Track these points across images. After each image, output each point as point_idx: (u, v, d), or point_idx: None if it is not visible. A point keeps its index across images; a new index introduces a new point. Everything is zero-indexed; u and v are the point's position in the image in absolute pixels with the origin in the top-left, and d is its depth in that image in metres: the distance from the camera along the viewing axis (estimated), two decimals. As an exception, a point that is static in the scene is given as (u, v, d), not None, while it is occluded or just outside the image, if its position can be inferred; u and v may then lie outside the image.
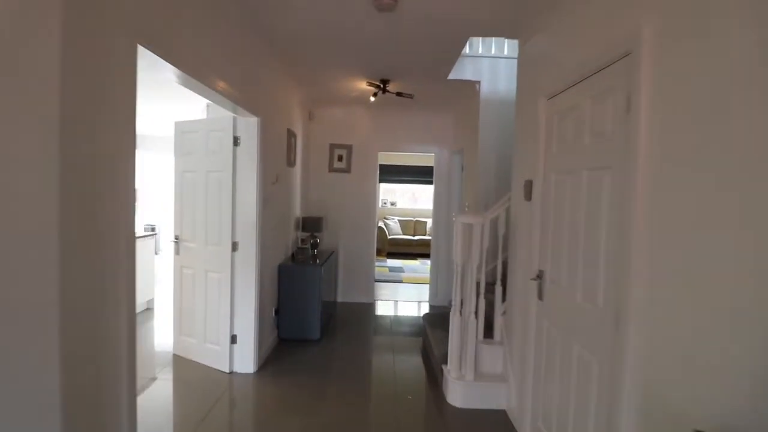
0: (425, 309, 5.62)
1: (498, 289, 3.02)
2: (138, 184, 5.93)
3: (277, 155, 3.88)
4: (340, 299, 5.66)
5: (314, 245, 4.71)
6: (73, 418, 1.33)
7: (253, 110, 3.16)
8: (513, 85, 3.87)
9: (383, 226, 10.02)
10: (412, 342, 4.30)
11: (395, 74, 4.04)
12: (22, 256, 1.23)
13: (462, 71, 3.97)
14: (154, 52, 1.85)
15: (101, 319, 1.51)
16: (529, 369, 2.47)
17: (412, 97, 4.34)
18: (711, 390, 1.20)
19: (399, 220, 10.57)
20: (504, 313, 3.00)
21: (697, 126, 1.28)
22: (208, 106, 3.78)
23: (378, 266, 6.66)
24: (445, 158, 5.56)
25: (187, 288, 3.52)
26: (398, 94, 4.20)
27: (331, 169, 5.63)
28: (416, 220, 10.59)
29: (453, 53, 3.41)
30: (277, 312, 4.03)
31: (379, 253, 7.51)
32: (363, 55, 3.55)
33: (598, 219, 1.79)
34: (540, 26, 2.52)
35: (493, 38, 4.00)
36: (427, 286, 6.01)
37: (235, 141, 3.23)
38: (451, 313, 3.00)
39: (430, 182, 9.45)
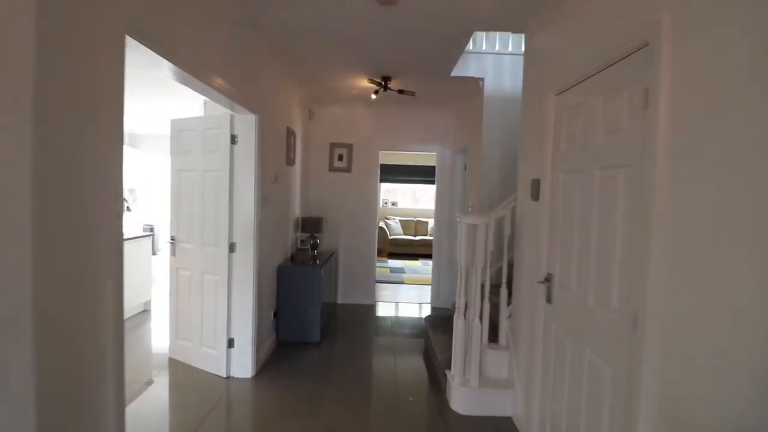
0: (427, 311, 5.54)
1: (503, 291, 2.92)
2: (136, 183, 5.87)
3: (276, 154, 3.79)
4: (340, 301, 5.57)
5: (314, 246, 4.62)
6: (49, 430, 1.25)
7: (251, 107, 3.07)
8: (518, 82, 3.79)
9: (384, 227, 9.94)
10: (414, 345, 4.21)
11: (397, 71, 3.95)
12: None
13: (465, 68, 3.87)
14: (146, 45, 1.76)
15: (85, 325, 1.42)
16: (537, 375, 2.38)
17: (414, 95, 4.25)
18: (736, 401, 1.11)
19: (400, 220, 10.48)
20: (509, 316, 2.91)
21: (721, 121, 1.19)
22: (205, 103, 3.70)
23: (379, 267, 6.57)
24: (448, 157, 5.47)
25: (184, 290, 3.43)
26: (400, 91, 4.11)
27: (332, 169, 5.54)
28: (417, 220, 10.50)
29: (456, 49, 3.32)
30: (275, 314, 3.94)
31: (380, 253, 7.42)
32: (364, 51, 3.46)
33: (612, 219, 1.70)
34: (547, 19, 2.43)
35: (498, 34, 3.91)
36: (429, 287, 5.92)
37: (233, 139, 3.14)
38: (454, 317, 2.91)
39: (432, 182, 9.38)
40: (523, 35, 3.77)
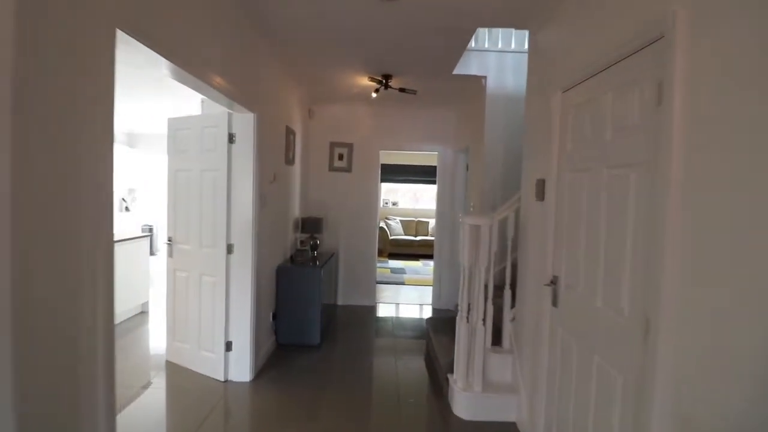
0: (428, 312, 5.48)
1: (507, 293, 2.86)
2: (135, 183, 5.81)
3: (274, 153, 3.73)
4: (340, 302, 5.50)
5: (314, 247, 4.56)
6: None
7: (249, 106, 3.01)
8: (521, 80, 3.73)
9: (385, 227, 9.88)
10: (415, 348, 4.14)
11: (398, 69, 3.88)
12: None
13: (467, 66, 3.81)
14: (139, 40, 1.70)
15: (73, 329, 1.36)
16: (542, 380, 2.32)
17: (415, 93, 4.19)
18: (757, 413, 1.04)
19: (400, 221, 10.42)
20: (513, 319, 2.85)
21: (739, 117, 1.12)
22: (202, 101, 3.63)
23: (379, 267, 6.51)
24: (449, 157, 5.40)
25: (181, 292, 3.37)
26: (401, 89, 4.05)
27: (332, 168, 5.47)
28: (418, 221, 10.44)
29: (459, 46, 3.26)
30: (274, 317, 3.88)
31: (380, 253, 7.37)
32: (365, 48, 3.39)
33: (623, 220, 1.64)
34: (553, 14, 2.37)
35: (500, 32, 3.85)
36: (430, 288, 5.86)
37: (231, 138, 3.08)
38: (457, 319, 2.84)
39: (432, 182, 9.31)
40: (526, 32, 3.73)
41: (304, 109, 5.02)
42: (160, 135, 7.02)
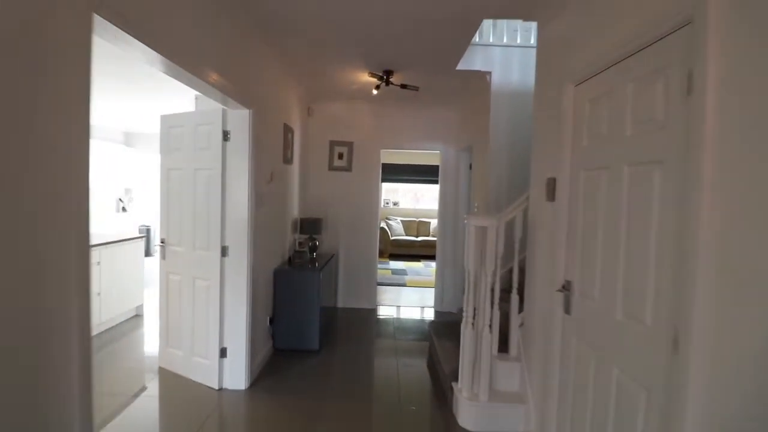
0: (430, 314, 5.34)
1: (514, 298, 2.73)
2: (132, 183, 5.68)
3: (272, 151, 3.60)
4: (340, 304, 5.37)
5: (313, 248, 4.43)
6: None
7: (245, 102, 2.88)
8: (527, 76, 3.61)
9: (385, 227, 9.75)
10: (418, 352, 4.01)
11: (399, 65, 3.75)
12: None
13: (471, 61, 3.68)
14: (120, 27, 1.57)
15: (42, 346, 1.22)
16: (553, 390, 2.19)
17: (417, 90, 4.06)
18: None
19: (401, 221, 10.29)
20: (521, 324, 2.71)
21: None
22: (197, 98, 3.51)
23: (380, 268, 6.38)
24: (452, 156, 5.27)
25: (174, 296, 3.24)
26: (402, 86, 3.92)
27: (331, 168, 5.34)
28: (419, 221, 10.31)
29: (463, 40, 3.12)
30: (272, 321, 3.74)
31: (381, 254, 7.24)
32: (365, 42, 3.26)
33: (646, 222, 1.50)
34: (564, 3, 2.23)
35: (505, 26, 3.71)
36: (432, 290, 5.73)
37: (225, 135, 2.95)
38: (462, 325, 2.71)
39: (433, 182, 9.18)
40: (533, 25, 3.60)
41: (303, 107, 4.89)
42: (157, 134, 6.92)
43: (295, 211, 4.68)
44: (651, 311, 1.47)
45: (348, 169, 5.34)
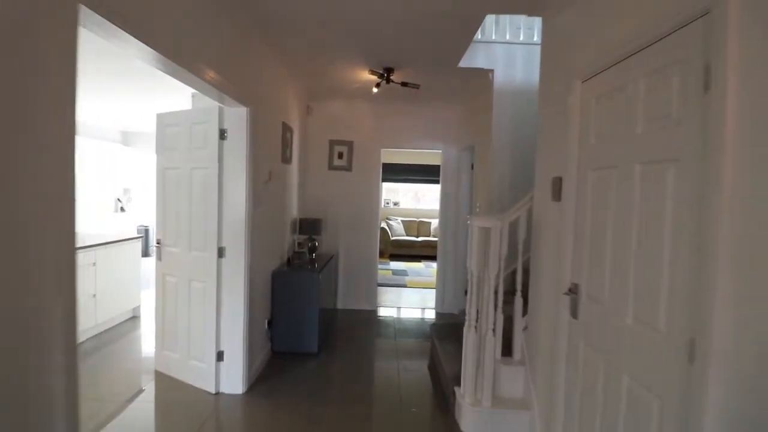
0: (431, 315, 5.27)
1: (518, 300, 2.66)
2: (131, 183, 5.62)
3: (270, 151, 3.53)
4: (340, 306, 5.30)
5: (312, 249, 4.36)
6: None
7: (242, 100, 2.81)
8: (531, 74, 3.54)
9: (386, 227, 9.69)
10: (418, 355, 3.94)
11: (400, 62, 3.68)
12: None
13: (473, 59, 3.61)
14: (108, 19, 1.50)
15: (23, 358, 1.16)
16: (560, 397, 2.12)
17: (418, 88, 3.99)
18: None
19: (402, 221, 10.22)
20: (525, 328, 2.65)
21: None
22: (193, 96, 3.44)
23: (380, 269, 6.31)
24: (453, 155, 5.20)
25: (170, 298, 3.17)
26: (403, 84, 3.85)
27: (331, 167, 5.27)
28: (420, 221, 10.25)
29: (465, 36, 3.05)
30: (270, 323, 3.68)
31: (381, 254, 7.16)
32: (365, 38, 3.19)
33: (660, 223, 1.43)
34: (571, -2, 2.16)
35: (508, 23, 3.65)
36: (433, 291, 5.67)
37: (222, 134, 2.88)
38: (464, 329, 2.64)
39: (434, 181, 9.10)
40: (537, 22, 3.54)
41: (302, 106, 4.82)
42: (154, 133, 6.85)
43: (294, 212, 4.61)
44: (665, 316, 1.40)
45: (348, 168, 5.27)
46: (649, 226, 1.50)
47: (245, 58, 2.91)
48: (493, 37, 3.62)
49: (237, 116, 2.88)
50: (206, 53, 2.35)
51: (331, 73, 4.07)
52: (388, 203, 10.80)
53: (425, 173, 9.58)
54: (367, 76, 3.94)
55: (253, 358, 3.20)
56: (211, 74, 2.36)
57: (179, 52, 2.05)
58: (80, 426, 1.34)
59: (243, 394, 2.99)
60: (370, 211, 5.30)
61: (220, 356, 2.96)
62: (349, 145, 5.26)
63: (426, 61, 3.62)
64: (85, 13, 1.38)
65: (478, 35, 3.56)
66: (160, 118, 3.20)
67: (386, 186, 10.32)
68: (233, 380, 2.98)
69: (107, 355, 3.70)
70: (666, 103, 1.43)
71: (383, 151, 5.34)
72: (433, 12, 2.67)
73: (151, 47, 1.79)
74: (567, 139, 2.09)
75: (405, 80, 3.91)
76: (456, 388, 2.73)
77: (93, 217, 7.06)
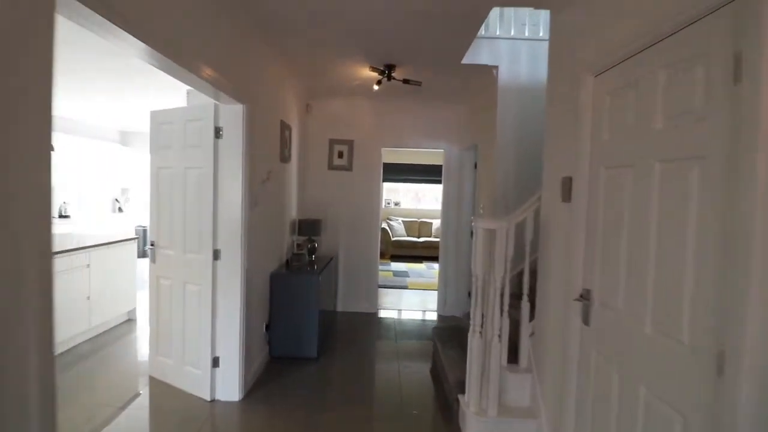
0: (433, 318, 5.17)
1: (524, 305, 2.56)
2: (129, 183, 5.54)
3: (268, 149, 3.44)
4: (340, 308, 5.21)
5: (311, 250, 4.26)
6: None
7: (238, 96, 2.72)
8: (536, 70, 3.44)
9: (386, 228, 9.59)
10: (421, 360, 3.84)
11: (401, 58, 3.58)
12: None
13: (477, 55, 3.51)
14: (89, 6, 1.40)
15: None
16: (570, 408, 2.02)
17: (420, 85, 3.89)
18: None
19: (403, 221, 10.12)
20: (532, 334, 2.55)
21: None
22: (188, 93, 3.34)
23: (381, 270, 6.21)
24: (456, 155, 5.10)
25: (164, 301, 3.08)
26: (405, 81, 3.75)
27: (331, 167, 5.17)
28: (421, 221, 10.15)
29: (469, 31, 2.95)
30: (268, 327, 3.58)
31: (382, 255, 7.07)
32: (365, 34, 3.10)
33: (682, 225, 1.33)
34: (582, -12, 2.06)
35: (513, 18, 3.55)
36: (434, 292, 5.57)
37: (217, 132, 2.79)
38: (469, 335, 2.54)
39: (434, 181, 8.99)
40: (542, 18, 3.44)
41: (301, 104, 4.72)
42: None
43: (293, 212, 4.51)
44: (688, 326, 1.30)
45: (348, 168, 5.17)
46: (669, 228, 1.40)
47: (241, 53, 2.82)
48: (498, 33, 3.52)
49: (233, 114, 2.78)
50: (200, 47, 2.25)
51: (331, 69, 3.97)
52: (389, 203, 10.70)
53: (426, 173, 9.48)
54: (368, 73, 3.84)
55: (250, 364, 3.11)
56: (207, 71, 2.27)
57: (175, 49, 1.96)
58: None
59: (239, 401, 2.89)
60: (370, 211, 5.20)
61: (215, 362, 2.86)
62: (350, 144, 5.16)
63: (428, 58, 3.52)
64: (79, 10, 1.29)
65: (482, 31, 3.46)
66: (154, 115, 3.11)
67: (387, 186, 10.22)
68: (229, 387, 2.88)
69: (101, 360, 3.61)
70: (689, 97, 1.33)
71: (384, 150, 5.24)
72: (436, 6, 2.57)
73: (147, 44, 1.71)
74: (578, 136, 1.98)
75: (407, 77, 3.81)
76: (460, 396, 2.63)
77: (91, 218, 6.97)
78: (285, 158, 3.98)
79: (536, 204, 2.54)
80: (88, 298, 3.82)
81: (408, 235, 9.85)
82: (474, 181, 4.80)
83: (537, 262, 2.52)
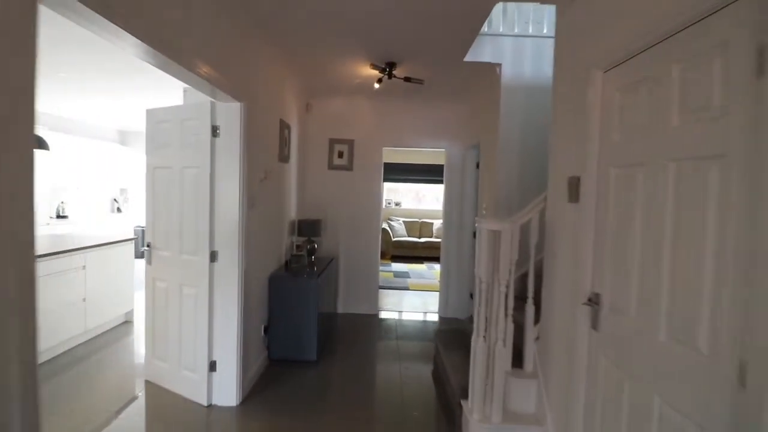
0: (434, 319, 5.11)
1: (529, 308, 2.49)
2: (128, 183, 5.48)
3: (266, 149, 3.37)
4: (340, 310, 5.14)
5: (311, 251, 4.20)
6: None
7: (235, 94, 2.65)
8: (540, 68, 3.37)
9: (387, 228, 9.53)
10: (422, 363, 3.77)
11: (403, 56, 3.51)
12: None
13: (480, 53, 3.44)
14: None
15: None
16: (578, 415, 1.95)
17: (422, 83, 3.82)
18: None
19: (404, 221, 10.06)
20: (537, 338, 2.48)
21: None
22: (185, 91, 3.28)
23: (382, 271, 6.14)
24: (458, 154, 5.03)
25: (160, 304, 3.01)
26: (406, 79, 3.68)
27: (331, 167, 5.11)
28: (422, 222, 10.08)
29: (473, 27, 2.88)
30: (266, 330, 3.51)
31: (382, 256, 7.01)
32: (366, 32, 3.03)
33: (700, 227, 1.26)
34: (590, -18, 1.99)
35: (516, 15, 3.48)
36: (435, 293, 5.50)
37: (214, 131, 2.72)
38: (472, 339, 2.47)
39: (436, 181, 8.94)
40: (546, 14, 3.37)
41: (301, 103, 4.66)
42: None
43: (292, 213, 4.44)
44: (706, 334, 1.24)
45: (348, 168, 5.10)
46: (686, 229, 1.33)
47: (239, 51, 2.75)
48: (501, 30, 3.45)
49: (230, 112, 2.72)
50: (199, 47, 2.19)
51: (332, 67, 3.90)
52: (389, 203, 10.64)
53: (427, 173, 9.42)
54: (369, 71, 3.77)
55: (248, 368, 3.04)
56: (205, 69, 2.22)
57: (172, 47, 1.91)
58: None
59: (237, 406, 2.83)
60: (371, 211, 5.14)
61: (212, 366, 2.80)
62: (350, 143, 5.10)
63: (430, 55, 3.45)
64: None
65: (485, 28, 3.39)
66: (150, 114, 3.04)
67: (387, 186, 10.17)
68: (227, 392, 2.82)
69: (97, 363, 3.54)
70: (707, 92, 1.26)
71: (384, 150, 5.17)
72: (438, 2, 2.51)
73: (141, 40, 1.65)
74: (586, 135, 1.92)
75: (408, 75, 3.75)
76: (463, 401, 2.57)
77: (89, 218, 6.91)
78: (284, 158, 3.91)
79: (541, 204, 2.47)
80: (84, 300, 3.76)
81: (409, 236, 9.79)
82: (476, 180, 4.73)
83: (542, 263, 2.45)
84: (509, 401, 2.44)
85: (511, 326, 2.44)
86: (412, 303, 5.82)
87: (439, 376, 3.39)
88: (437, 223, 9.71)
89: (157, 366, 3.05)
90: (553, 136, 2.37)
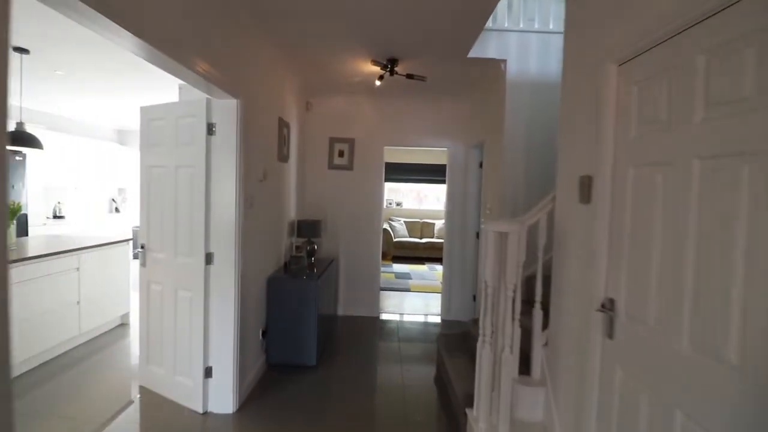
0: (437, 321, 5.01)
1: (537, 313, 2.39)
2: (126, 183, 5.38)
3: (265, 147, 3.28)
4: (341, 312, 5.05)
5: (311, 252, 4.11)
6: None
7: (232, 91, 2.56)
8: (547, 64, 3.27)
9: (388, 228, 9.43)
10: (424, 367, 3.68)
11: (405, 52, 3.42)
12: None
13: (484, 48, 3.35)
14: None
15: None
16: (589, 426, 1.85)
17: (424, 80, 3.72)
18: None
19: (405, 222, 9.96)
20: (546, 344, 2.38)
21: None
22: (180, 87, 3.19)
23: (383, 272, 6.05)
24: (461, 153, 4.93)
25: (155, 308, 2.92)
26: (408, 76, 3.58)
27: (331, 166, 5.01)
28: (423, 222, 9.98)
29: (477, 22, 2.79)
30: (264, 334, 3.42)
31: (384, 256, 6.92)
32: (367, 27, 2.93)
33: (728, 229, 1.17)
34: (602, -29, 1.89)
35: (522, 10, 3.38)
36: (437, 295, 5.41)
37: (209, 129, 2.63)
38: (478, 345, 2.38)
39: (437, 181, 8.83)
40: (554, 7, 3.27)
41: (301, 101, 4.56)
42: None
43: (291, 213, 4.35)
44: (736, 348, 1.14)
45: (349, 167, 5.01)
46: (713, 232, 1.23)
47: (237, 47, 2.66)
48: (506, 25, 3.35)
49: (226, 109, 2.63)
50: (196, 43, 2.10)
51: (332, 64, 3.81)
52: (390, 204, 10.54)
53: (429, 172, 9.33)
54: (370, 68, 3.68)
55: (245, 374, 2.95)
56: (201, 65, 2.13)
57: (168, 43, 1.82)
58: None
59: (234, 413, 2.74)
60: (372, 212, 5.04)
61: (208, 372, 2.71)
62: (350, 142, 5.00)
63: (433, 51, 3.36)
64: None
65: (489, 23, 3.30)
66: (145, 111, 2.95)
67: (388, 186, 10.07)
68: (223, 398, 2.73)
69: (91, 367, 3.45)
70: (734, 85, 1.17)
71: (386, 149, 5.08)
72: (443, -8, 2.42)
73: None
74: (600, 132, 1.82)
75: (410, 72, 3.65)
76: (468, 410, 2.47)
77: (87, 218, 6.82)
78: (283, 157, 3.82)
79: (550, 205, 2.37)
80: (78, 302, 3.67)
81: (410, 236, 9.69)
82: (479, 180, 4.63)
83: (550, 266, 2.35)
84: (516, 409, 2.34)
85: (518, 332, 2.34)
86: (414, 305, 5.73)
87: (442, 382, 3.30)
88: (439, 224, 9.62)
89: (151, 372, 2.95)
90: (562, 134, 2.27)
